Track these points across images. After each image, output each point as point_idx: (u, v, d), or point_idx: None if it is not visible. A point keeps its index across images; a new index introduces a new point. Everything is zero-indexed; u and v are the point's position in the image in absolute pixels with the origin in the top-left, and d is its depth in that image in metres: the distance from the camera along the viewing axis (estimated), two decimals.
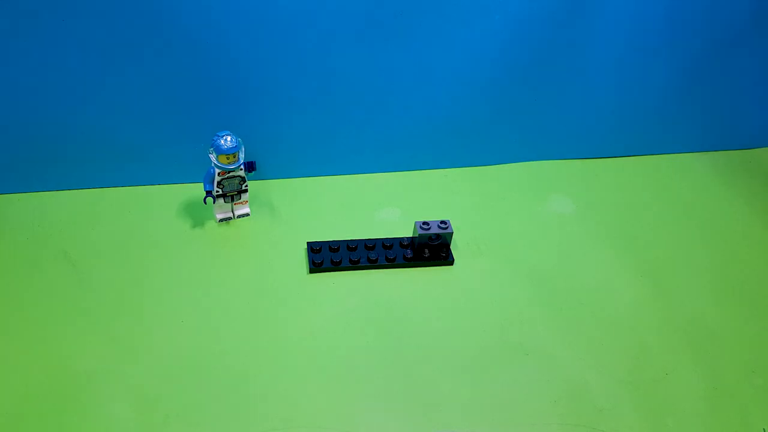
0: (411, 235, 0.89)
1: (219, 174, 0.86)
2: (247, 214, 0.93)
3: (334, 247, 0.87)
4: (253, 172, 0.90)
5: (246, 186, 0.90)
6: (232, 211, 0.92)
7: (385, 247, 0.87)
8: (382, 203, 0.94)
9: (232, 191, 0.89)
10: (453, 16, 0.91)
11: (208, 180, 0.87)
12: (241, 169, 0.87)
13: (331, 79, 0.94)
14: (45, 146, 0.90)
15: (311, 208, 0.95)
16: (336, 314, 0.78)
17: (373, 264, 0.85)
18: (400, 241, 0.88)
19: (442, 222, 0.86)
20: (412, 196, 0.99)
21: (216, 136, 0.83)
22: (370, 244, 0.87)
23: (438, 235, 0.86)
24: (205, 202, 0.89)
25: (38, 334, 0.73)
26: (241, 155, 0.85)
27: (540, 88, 1.03)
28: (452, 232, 0.86)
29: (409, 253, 0.86)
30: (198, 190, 0.93)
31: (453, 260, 0.87)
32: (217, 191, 0.88)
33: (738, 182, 1.09)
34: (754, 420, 0.69)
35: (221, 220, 0.92)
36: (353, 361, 0.73)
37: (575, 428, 0.67)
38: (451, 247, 0.88)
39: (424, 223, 0.85)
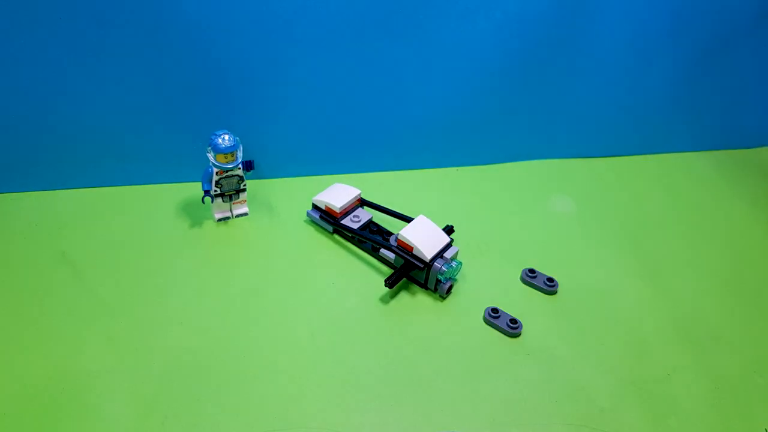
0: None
1: (217, 173, 0.86)
2: (246, 214, 0.92)
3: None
4: (251, 171, 0.89)
5: (244, 185, 0.89)
6: (231, 211, 0.92)
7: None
8: (382, 203, 0.94)
9: (230, 190, 0.88)
10: (453, 15, 0.91)
11: (207, 179, 0.87)
12: (240, 168, 0.87)
13: (330, 78, 0.94)
14: (43, 146, 0.90)
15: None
16: (336, 314, 0.78)
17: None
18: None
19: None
20: (412, 196, 0.99)
21: (214, 135, 0.83)
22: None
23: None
24: (204, 202, 0.89)
25: (36, 335, 0.72)
26: (239, 154, 0.85)
27: (541, 87, 1.03)
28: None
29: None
30: (196, 189, 0.93)
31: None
32: (216, 190, 0.87)
33: (740, 181, 1.09)
34: (757, 420, 0.69)
35: (220, 220, 0.91)
36: (353, 362, 0.72)
37: (577, 428, 0.66)
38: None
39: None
